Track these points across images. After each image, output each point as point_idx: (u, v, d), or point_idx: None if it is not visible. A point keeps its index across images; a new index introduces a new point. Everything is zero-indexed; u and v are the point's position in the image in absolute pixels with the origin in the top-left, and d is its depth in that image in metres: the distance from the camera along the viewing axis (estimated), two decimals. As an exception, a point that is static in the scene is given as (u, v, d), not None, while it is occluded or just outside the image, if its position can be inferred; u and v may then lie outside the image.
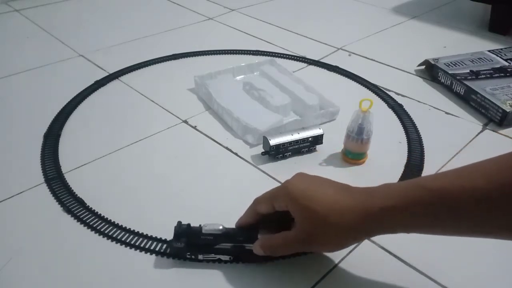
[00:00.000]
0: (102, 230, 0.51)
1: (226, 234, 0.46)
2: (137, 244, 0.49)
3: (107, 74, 0.85)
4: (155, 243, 0.49)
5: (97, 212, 0.53)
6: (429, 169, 0.62)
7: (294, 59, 0.93)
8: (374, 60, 0.94)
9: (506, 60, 0.87)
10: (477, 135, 0.70)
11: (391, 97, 0.80)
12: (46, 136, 0.67)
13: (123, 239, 0.50)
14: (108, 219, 0.52)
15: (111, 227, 0.51)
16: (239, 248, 0.46)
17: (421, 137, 0.69)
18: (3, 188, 0.56)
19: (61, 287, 0.44)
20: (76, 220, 0.52)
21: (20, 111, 0.74)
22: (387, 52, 0.97)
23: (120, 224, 0.51)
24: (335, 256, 0.48)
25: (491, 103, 0.73)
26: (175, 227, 0.47)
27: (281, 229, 0.44)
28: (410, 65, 0.91)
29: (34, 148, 0.64)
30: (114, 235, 0.50)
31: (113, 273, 0.46)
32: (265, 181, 0.59)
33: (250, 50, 0.96)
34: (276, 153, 0.62)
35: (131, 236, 0.50)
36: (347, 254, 0.48)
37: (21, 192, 0.56)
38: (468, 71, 0.82)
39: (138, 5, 1.23)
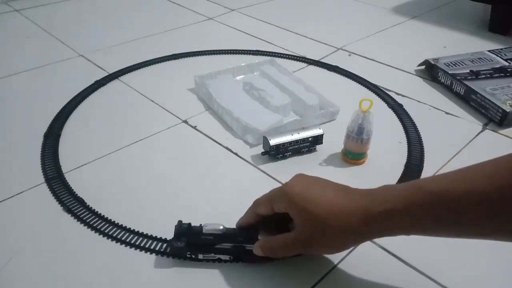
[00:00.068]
0: (102, 229, 0.51)
1: (227, 234, 0.46)
2: (137, 243, 0.49)
3: (107, 74, 0.85)
4: (155, 242, 0.49)
5: (97, 212, 0.53)
6: (429, 169, 0.62)
7: (294, 59, 0.93)
8: (374, 60, 0.94)
9: (506, 60, 0.87)
10: (477, 135, 0.70)
11: (391, 97, 0.80)
12: (46, 136, 0.67)
13: (123, 238, 0.50)
14: (108, 219, 0.52)
15: (111, 227, 0.51)
16: (239, 248, 0.46)
17: (421, 137, 0.69)
18: (3, 188, 0.56)
19: (61, 287, 0.44)
20: (76, 220, 0.52)
21: (20, 111, 0.74)
22: (387, 52, 0.97)
23: (120, 224, 0.51)
24: (335, 256, 0.48)
25: (491, 103, 0.73)
26: (176, 226, 0.47)
27: (281, 230, 0.45)
28: (410, 65, 0.91)
29: (34, 148, 0.64)
30: (114, 235, 0.50)
31: (113, 272, 0.46)
32: (265, 181, 0.59)
33: (250, 50, 0.96)
34: (276, 153, 0.62)
35: (131, 236, 0.50)
36: (347, 255, 0.48)
37: (21, 192, 0.56)
38: (468, 71, 0.82)
39: (138, 5, 1.23)
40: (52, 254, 0.48)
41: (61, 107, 0.74)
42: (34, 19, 1.10)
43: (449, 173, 0.39)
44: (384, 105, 0.78)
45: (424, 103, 0.78)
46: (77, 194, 0.56)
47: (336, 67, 0.90)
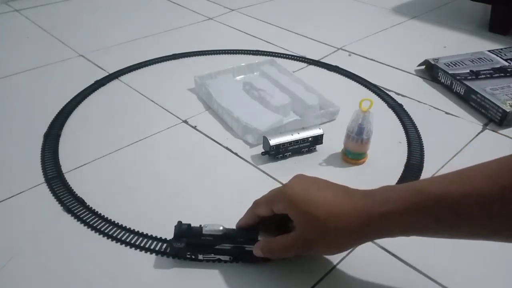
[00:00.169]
0: (102, 229, 0.51)
1: (227, 235, 0.46)
2: (137, 243, 0.49)
3: (107, 74, 0.85)
4: (155, 242, 0.49)
5: (97, 212, 0.53)
6: (429, 169, 0.62)
7: (294, 59, 0.93)
8: (374, 60, 0.94)
9: (506, 60, 0.87)
10: (477, 135, 0.70)
11: (391, 97, 0.80)
12: (46, 136, 0.67)
13: (123, 238, 0.50)
14: (109, 219, 0.52)
15: (111, 227, 0.51)
16: (239, 249, 0.46)
17: (421, 137, 0.69)
18: (3, 188, 0.56)
19: (61, 286, 0.44)
20: (76, 220, 0.52)
21: (20, 111, 0.74)
22: (387, 52, 0.97)
23: (120, 224, 0.51)
24: (335, 256, 0.48)
25: (491, 103, 0.73)
26: (175, 227, 0.47)
27: (281, 230, 0.45)
28: (410, 65, 0.91)
29: (34, 148, 0.64)
30: (115, 235, 0.50)
31: (113, 272, 0.46)
32: (265, 181, 0.59)
33: (250, 50, 0.96)
34: (276, 153, 0.62)
35: (132, 236, 0.50)
36: (347, 255, 0.48)
37: (21, 192, 0.56)
38: (468, 71, 0.82)
39: (138, 5, 1.23)
40: (52, 254, 0.48)
41: (61, 107, 0.74)
42: (34, 19, 1.10)
43: (449, 174, 0.39)
44: (384, 105, 0.78)
45: (424, 103, 0.78)
46: (77, 194, 0.56)
47: (336, 67, 0.90)
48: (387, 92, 0.81)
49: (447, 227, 0.38)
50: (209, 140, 0.67)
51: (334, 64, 0.91)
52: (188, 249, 0.46)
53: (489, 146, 0.67)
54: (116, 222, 0.52)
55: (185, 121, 0.72)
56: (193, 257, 0.47)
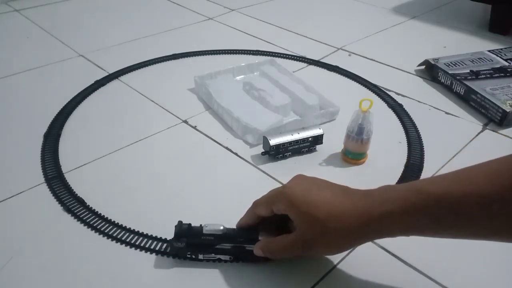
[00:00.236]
0: (102, 229, 0.51)
1: (227, 235, 0.46)
2: (137, 243, 0.49)
3: (107, 74, 0.85)
4: (155, 242, 0.49)
5: (97, 212, 0.53)
6: (429, 169, 0.62)
7: (294, 59, 0.93)
8: (374, 60, 0.94)
9: (506, 60, 0.87)
10: (477, 135, 0.70)
11: (391, 97, 0.80)
12: (46, 136, 0.67)
13: (123, 238, 0.50)
14: (109, 219, 0.52)
15: (111, 227, 0.51)
16: (239, 248, 0.46)
17: (421, 137, 0.69)
18: (3, 188, 0.56)
19: (61, 286, 0.44)
20: (76, 220, 0.52)
21: (20, 111, 0.74)
22: (387, 52, 0.97)
23: (120, 224, 0.51)
24: (335, 256, 0.48)
25: (491, 103, 0.73)
26: (176, 226, 0.47)
27: (281, 230, 0.45)
28: (410, 65, 0.91)
29: (34, 148, 0.64)
30: (115, 235, 0.50)
31: (113, 272, 0.46)
32: (265, 181, 0.59)
33: (250, 50, 0.96)
34: (276, 153, 0.62)
35: (132, 236, 0.50)
36: (347, 255, 0.48)
37: (21, 192, 0.56)
38: (468, 71, 0.82)
39: (138, 5, 1.23)
40: (52, 254, 0.48)
41: (61, 107, 0.74)
42: (34, 19, 1.10)
43: (449, 174, 0.39)
44: (384, 105, 0.78)
45: (424, 103, 0.78)
46: (77, 194, 0.56)
47: (336, 67, 0.90)
48: (387, 92, 0.81)
49: (447, 227, 0.38)
50: (209, 140, 0.67)
51: (334, 64, 0.91)
52: (188, 248, 0.46)
53: (489, 146, 0.67)
54: (116, 222, 0.52)
55: (185, 121, 0.72)
56: (193, 256, 0.47)
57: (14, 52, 0.94)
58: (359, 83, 0.84)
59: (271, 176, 0.60)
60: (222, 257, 0.47)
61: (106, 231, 0.51)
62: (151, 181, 0.59)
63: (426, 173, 0.61)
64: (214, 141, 0.67)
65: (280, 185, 0.57)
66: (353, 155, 0.62)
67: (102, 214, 0.53)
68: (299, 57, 0.94)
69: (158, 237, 0.50)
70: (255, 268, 0.46)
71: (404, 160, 0.64)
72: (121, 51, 0.95)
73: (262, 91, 0.74)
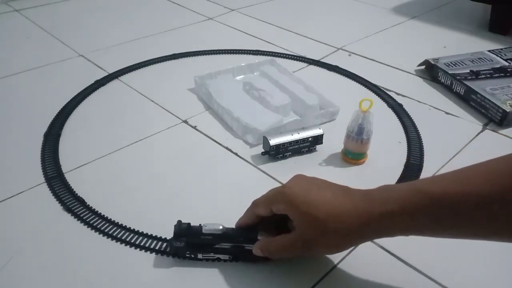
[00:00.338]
0: (102, 229, 0.51)
1: (226, 234, 0.46)
2: (137, 243, 0.49)
3: (107, 74, 0.85)
4: (155, 242, 0.49)
5: (97, 211, 0.53)
6: (429, 169, 0.62)
7: (294, 59, 0.93)
8: (374, 60, 0.94)
9: (506, 60, 0.87)
10: (477, 135, 0.70)
11: (391, 97, 0.80)
12: (46, 135, 0.67)
13: (123, 238, 0.50)
14: (109, 218, 0.52)
15: (111, 226, 0.51)
16: (239, 248, 0.46)
17: (421, 137, 0.69)
18: (3, 188, 0.56)
19: (61, 286, 0.44)
20: (76, 219, 0.52)
21: (20, 111, 0.74)
22: (387, 52, 0.97)
23: (120, 223, 0.51)
24: (335, 256, 0.48)
25: (491, 103, 0.73)
26: (175, 226, 0.47)
27: (281, 229, 0.45)
28: (410, 65, 0.91)
29: (34, 148, 0.64)
30: (114, 234, 0.50)
31: (113, 271, 0.46)
32: (265, 181, 0.59)
33: (250, 50, 0.96)
34: (276, 153, 0.62)
35: (131, 235, 0.50)
36: (347, 255, 0.48)
37: (21, 192, 0.56)
38: (468, 71, 0.82)
39: (138, 5, 1.23)
40: (52, 253, 0.48)
41: (61, 107, 0.74)
42: (34, 19, 1.11)
43: (448, 174, 0.39)
44: (384, 105, 0.78)
45: (424, 103, 0.78)
46: (77, 194, 0.56)
47: (336, 67, 0.90)
48: (387, 92, 0.81)
49: (447, 227, 0.38)
50: (209, 140, 0.67)
51: (334, 64, 0.91)
52: (187, 248, 0.46)
53: (489, 146, 0.67)
54: (116, 222, 0.52)
55: (185, 121, 0.72)
56: (192, 256, 0.47)
57: (14, 52, 0.94)
58: (359, 83, 0.84)
59: (271, 176, 0.60)
60: (222, 256, 0.47)
61: (106, 230, 0.51)
62: (151, 181, 0.59)
63: (426, 173, 0.61)
64: (214, 141, 0.67)
65: (280, 185, 0.57)
66: (353, 155, 0.62)
67: (102, 214, 0.53)
68: (299, 57, 0.94)
69: (158, 236, 0.50)
70: (255, 268, 0.46)
71: (404, 160, 0.64)
72: (121, 51, 0.95)
73: (262, 91, 0.74)
